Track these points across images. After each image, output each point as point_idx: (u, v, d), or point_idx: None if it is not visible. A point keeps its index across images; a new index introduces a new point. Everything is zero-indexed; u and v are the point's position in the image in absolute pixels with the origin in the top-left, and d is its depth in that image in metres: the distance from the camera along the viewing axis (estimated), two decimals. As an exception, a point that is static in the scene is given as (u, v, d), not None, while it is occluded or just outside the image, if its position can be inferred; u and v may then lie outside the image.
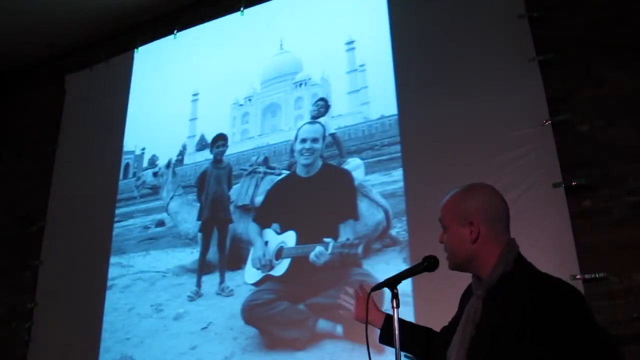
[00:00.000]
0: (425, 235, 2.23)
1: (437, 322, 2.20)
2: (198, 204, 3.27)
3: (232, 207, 3.12)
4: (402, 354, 1.46)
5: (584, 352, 1.21)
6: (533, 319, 1.24)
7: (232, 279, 2.96)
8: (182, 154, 3.45)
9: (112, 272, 3.38)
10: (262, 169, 3.10)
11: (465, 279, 1.62)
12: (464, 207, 1.43)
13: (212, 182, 3.26)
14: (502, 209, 1.44)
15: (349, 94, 2.96)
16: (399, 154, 2.69)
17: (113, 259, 3.42)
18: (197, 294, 3.04)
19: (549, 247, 2.14)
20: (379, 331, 1.69)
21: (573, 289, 1.32)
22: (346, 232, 2.67)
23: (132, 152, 3.66)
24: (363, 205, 2.69)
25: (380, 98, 2.84)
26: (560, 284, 1.32)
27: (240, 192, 3.12)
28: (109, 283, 3.35)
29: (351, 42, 3.04)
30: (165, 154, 3.51)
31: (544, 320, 1.23)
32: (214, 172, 3.28)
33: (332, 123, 2.95)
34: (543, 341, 1.22)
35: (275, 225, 2.92)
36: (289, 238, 2.83)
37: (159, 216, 3.39)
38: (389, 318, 1.68)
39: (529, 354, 1.23)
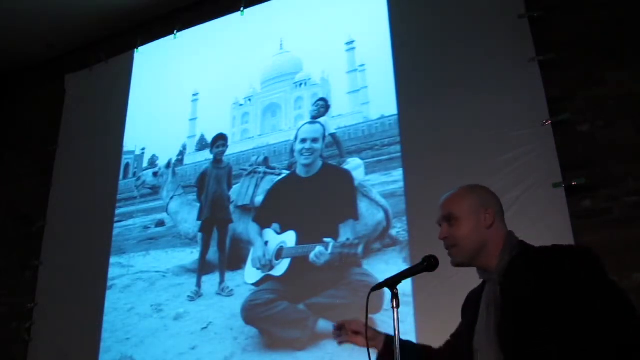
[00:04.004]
0: (425, 235, 2.23)
1: (437, 322, 2.21)
2: (198, 204, 3.27)
3: (232, 207, 3.12)
4: None
5: (601, 316, 1.23)
6: (555, 288, 1.27)
7: (232, 279, 2.96)
8: (182, 154, 3.45)
9: (112, 272, 3.38)
10: (262, 169, 3.10)
11: (465, 279, 1.62)
12: (477, 196, 1.50)
13: (212, 182, 3.26)
14: (502, 207, 1.53)
15: (349, 94, 2.96)
16: (399, 154, 2.69)
17: (113, 259, 3.42)
18: (197, 294, 3.04)
19: (549, 247, 2.14)
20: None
21: (582, 251, 1.36)
22: (346, 232, 2.67)
23: (132, 152, 3.66)
24: (363, 205, 2.69)
25: (380, 98, 2.84)
26: (569, 249, 1.39)
27: (240, 192, 3.12)
28: (109, 283, 3.35)
29: (351, 42, 3.04)
30: (165, 154, 3.51)
31: (565, 286, 1.26)
32: (214, 172, 3.28)
33: (332, 123, 2.95)
34: (568, 307, 1.24)
35: (275, 225, 2.91)
36: (289, 238, 2.83)
37: (159, 216, 3.39)
38: (388, 340, 1.61)
39: (558, 326, 1.24)
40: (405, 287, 2.06)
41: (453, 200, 1.50)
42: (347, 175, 2.79)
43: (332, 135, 2.93)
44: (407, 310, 2.31)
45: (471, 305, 1.51)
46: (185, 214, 3.29)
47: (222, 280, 2.99)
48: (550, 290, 1.27)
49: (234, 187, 3.16)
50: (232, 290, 2.93)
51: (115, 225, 3.51)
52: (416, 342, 2.30)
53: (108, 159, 3.69)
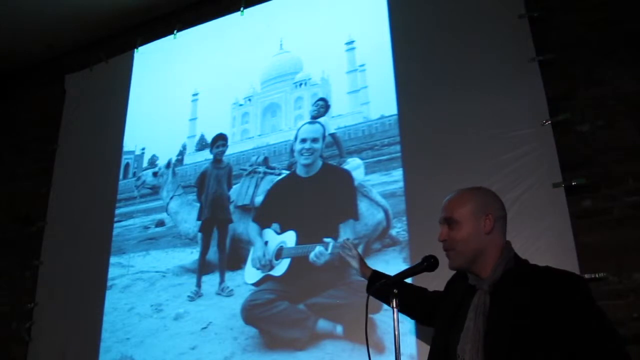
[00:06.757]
0: (425, 235, 2.23)
1: (437, 322, 2.21)
2: (198, 204, 3.27)
3: (232, 207, 3.12)
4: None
5: (594, 335, 1.27)
6: (544, 308, 1.28)
7: (232, 279, 2.96)
8: (182, 154, 3.45)
9: (112, 272, 3.38)
10: (262, 169, 3.10)
11: (465, 279, 1.61)
12: (480, 200, 1.49)
13: (212, 182, 3.26)
14: (505, 212, 1.53)
15: (349, 94, 2.96)
16: (399, 154, 2.69)
17: (113, 259, 3.42)
18: (197, 294, 3.04)
19: (549, 247, 2.14)
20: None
21: (577, 276, 1.38)
22: (346, 232, 2.67)
23: (132, 152, 3.66)
24: (363, 205, 2.69)
25: (380, 98, 2.84)
26: (564, 272, 1.39)
27: (240, 192, 3.12)
28: (109, 283, 3.35)
29: (351, 42, 3.04)
30: (165, 154, 3.51)
31: (554, 308, 1.28)
32: (213, 172, 3.28)
33: (332, 123, 2.95)
34: (556, 328, 1.26)
35: (275, 225, 2.92)
36: (289, 238, 2.83)
37: (159, 216, 3.39)
38: (375, 274, 2.00)
39: (544, 343, 1.25)
40: (405, 287, 2.06)
41: (455, 203, 1.50)
42: (347, 175, 2.79)
43: (332, 135, 2.93)
44: (407, 310, 2.31)
45: (456, 299, 1.50)
46: (185, 214, 3.29)
47: (222, 280, 2.99)
48: (544, 310, 1.28)
49: (234, 187, 3.16)
50: (232, 290, 2.93)
51: (115, 225, 3.51)
52: (416, 342, 2.31)
53: (108, 159, 3.69)
